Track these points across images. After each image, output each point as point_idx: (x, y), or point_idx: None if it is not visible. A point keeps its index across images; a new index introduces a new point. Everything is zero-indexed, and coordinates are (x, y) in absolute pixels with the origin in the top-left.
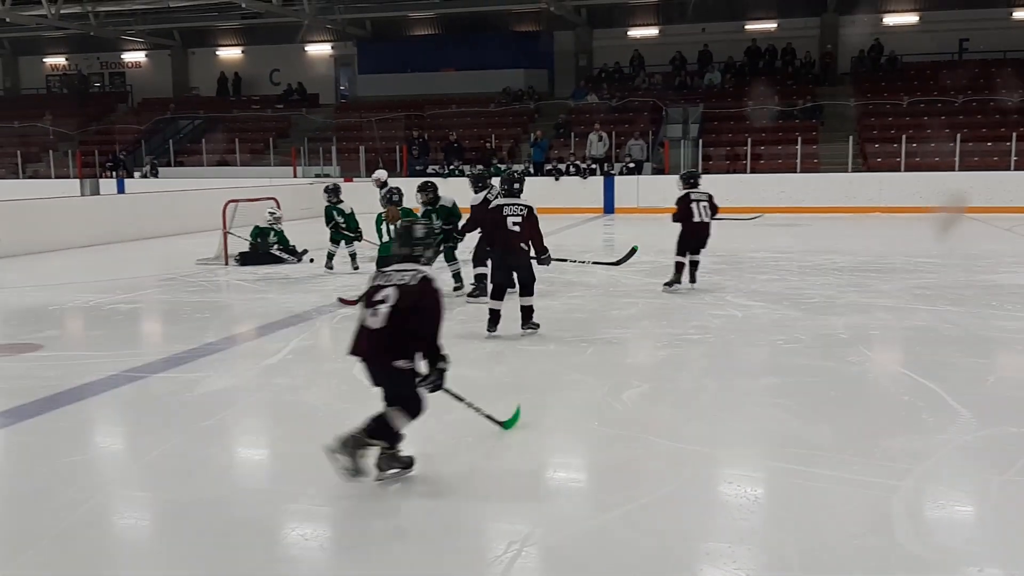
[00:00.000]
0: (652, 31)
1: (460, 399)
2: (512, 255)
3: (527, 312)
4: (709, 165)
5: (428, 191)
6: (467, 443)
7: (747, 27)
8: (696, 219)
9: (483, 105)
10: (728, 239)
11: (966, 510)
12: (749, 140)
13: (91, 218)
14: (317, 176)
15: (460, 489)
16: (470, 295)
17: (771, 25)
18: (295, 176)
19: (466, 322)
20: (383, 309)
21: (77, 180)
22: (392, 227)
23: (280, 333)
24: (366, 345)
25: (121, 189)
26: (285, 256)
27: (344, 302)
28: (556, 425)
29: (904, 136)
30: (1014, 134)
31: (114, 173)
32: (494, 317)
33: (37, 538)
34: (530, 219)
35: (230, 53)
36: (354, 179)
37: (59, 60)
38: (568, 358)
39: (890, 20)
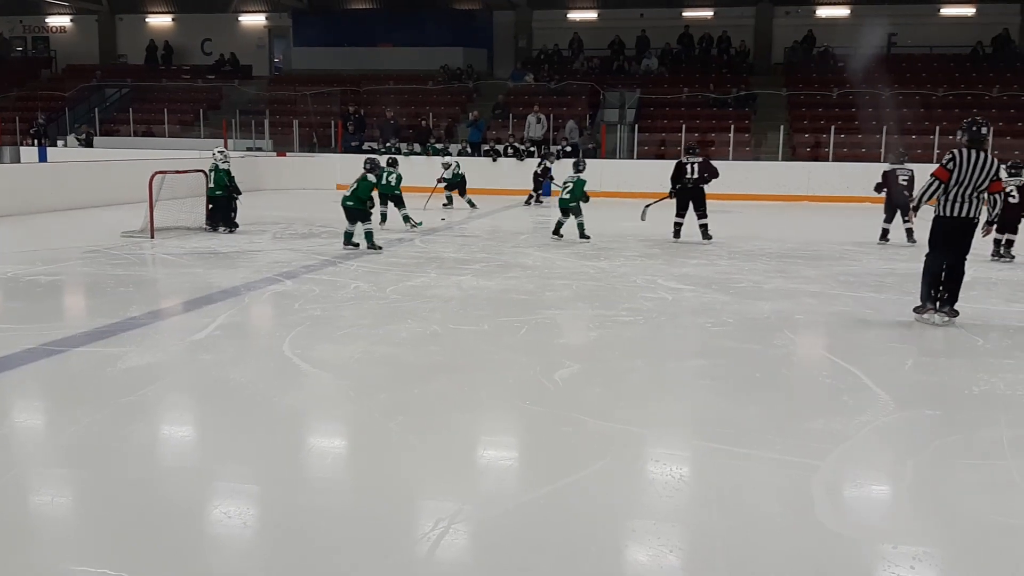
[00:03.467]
0: (591, 14)
1: None
2: (900, 197)
3: (910, 232)
4: (644, 150)
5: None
6: (398, 422)
7: (684, 14)
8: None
9: (421, 83)
10: (661, 223)
11: (882, 489)
12: (683, 127)
13: (11, 187)
14: (248, 150)
15: (388, 467)
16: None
17: (707, 13)
18: (225, 148)
19: (397, 301)
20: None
21: None
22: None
23: (207, 308)
24: None
25: (43, 157)
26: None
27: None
28: (487, 404)
29: (832, 127)
30: (937, 128)
31: (38, 141)
32: (885, 233)
33: None
34: (913, 179)
35: (160, 21)
36: (287, 154)
37: None
38: (501, 338)
39: (823, 12)
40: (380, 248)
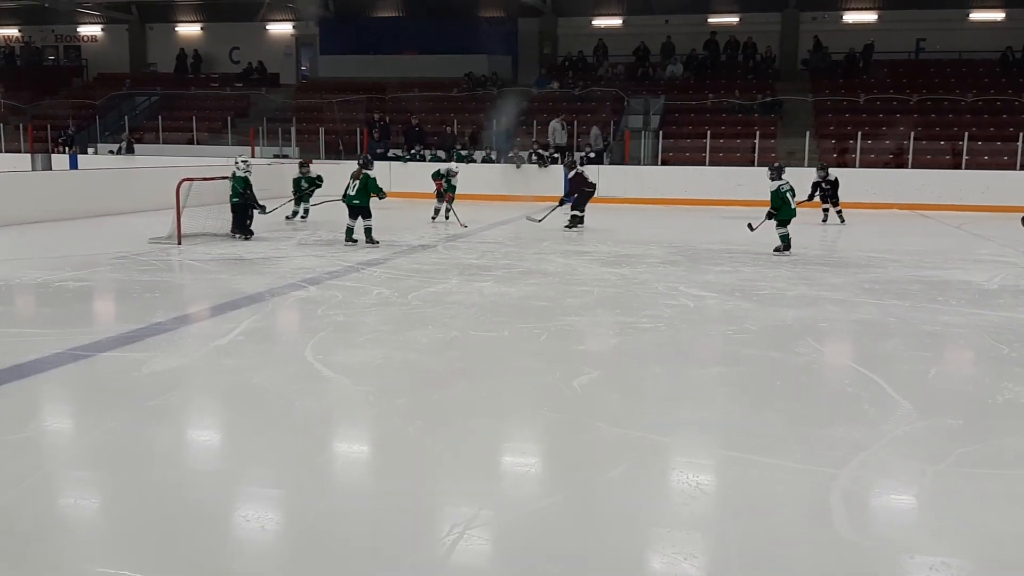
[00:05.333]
0: (616, 21)
1: None
2: None
3: None
4: (669, 157)
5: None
6: (417, 426)
7: (710, 20)
8: None
9: (446, 90)
10: (684, 231)
11: (901, 499)
12: (708, 133)
13: (42, 194)
14: (276, 157)
15: (406, 471)
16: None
17: (733, 19)
18: (253, 156)
19: (418, 308)
20: None
21: (28, 155)
22: (354, 181)
23: (231, 314)
24: None
25: (74, 165)
26: (260, 205)
27: None
28: (505, 410)
29: (859, 133)
30: (966, 134)
31: (67, 149)
32: None
33: None
34: None
35: (189, 30)
36: (314, 161)
37: (11, 31)
38: (522, 344)
39: (849, 18)
40: (378, 243)
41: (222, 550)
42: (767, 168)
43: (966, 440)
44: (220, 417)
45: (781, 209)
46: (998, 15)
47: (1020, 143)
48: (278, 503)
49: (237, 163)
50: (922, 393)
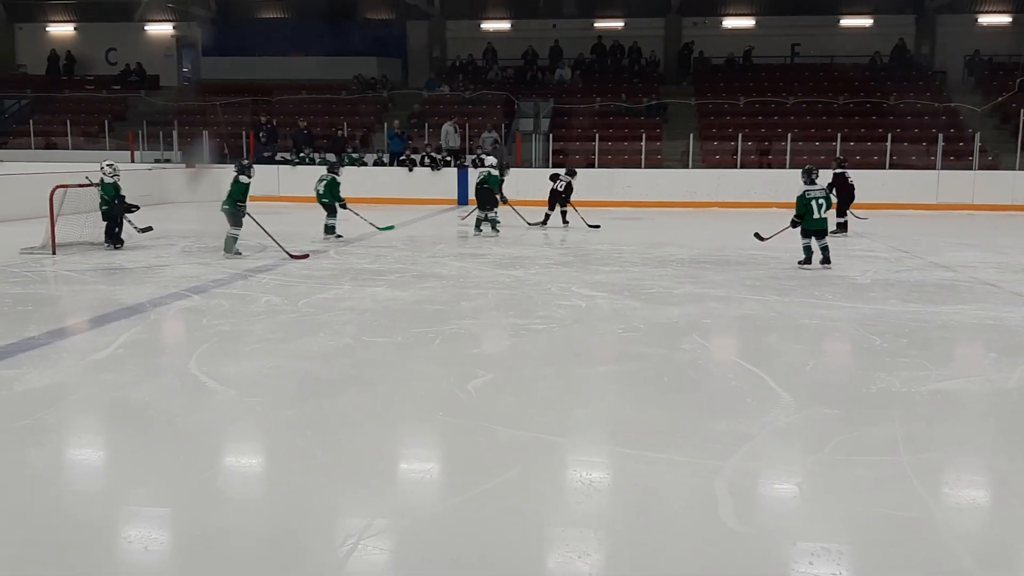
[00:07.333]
0: (504, 24)
1: None
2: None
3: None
4: (559, 160)
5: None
6: (307, 437)
7: (596, 25)
8: None
9: (334, 92)
10: (575, 232)
11: (783, 487)
12: (597, 136)
13: None
14: (156, 161)
15: (297, 483)
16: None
17: (619, 24)
18: (132, 161)
19: (309, 315)
20: None
21: None
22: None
23: (110, 326)
24: None
25: None
26: (133, 207)
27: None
28: (400, 416)
29: (740, 135)
30: (839, 134)
31: None
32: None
33: None
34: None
35: (62, 30)
36: (196, 165)
37: None
38: (416, 349)
39: (729, 23)
40: (240, 254)
41: (104, 573)
42: (800, 170)
43: (842, 429)
44: (99, 434)
45: (804, 218)
46: (867, 21)
47: (888, 143)
48: (162, 521)
49: (103, 168)
50: (801, 385)
